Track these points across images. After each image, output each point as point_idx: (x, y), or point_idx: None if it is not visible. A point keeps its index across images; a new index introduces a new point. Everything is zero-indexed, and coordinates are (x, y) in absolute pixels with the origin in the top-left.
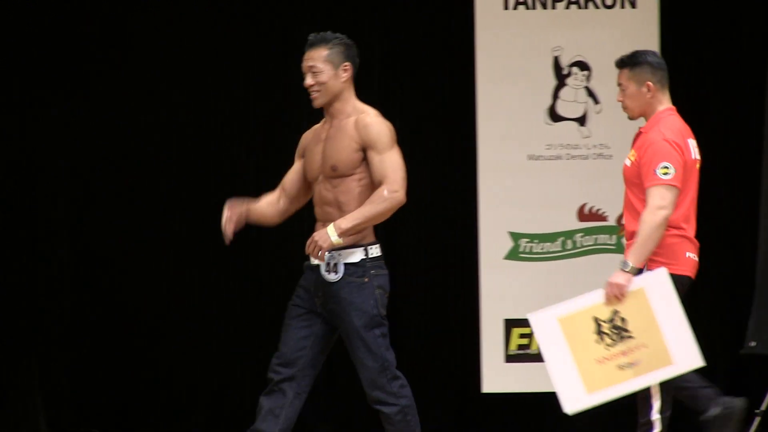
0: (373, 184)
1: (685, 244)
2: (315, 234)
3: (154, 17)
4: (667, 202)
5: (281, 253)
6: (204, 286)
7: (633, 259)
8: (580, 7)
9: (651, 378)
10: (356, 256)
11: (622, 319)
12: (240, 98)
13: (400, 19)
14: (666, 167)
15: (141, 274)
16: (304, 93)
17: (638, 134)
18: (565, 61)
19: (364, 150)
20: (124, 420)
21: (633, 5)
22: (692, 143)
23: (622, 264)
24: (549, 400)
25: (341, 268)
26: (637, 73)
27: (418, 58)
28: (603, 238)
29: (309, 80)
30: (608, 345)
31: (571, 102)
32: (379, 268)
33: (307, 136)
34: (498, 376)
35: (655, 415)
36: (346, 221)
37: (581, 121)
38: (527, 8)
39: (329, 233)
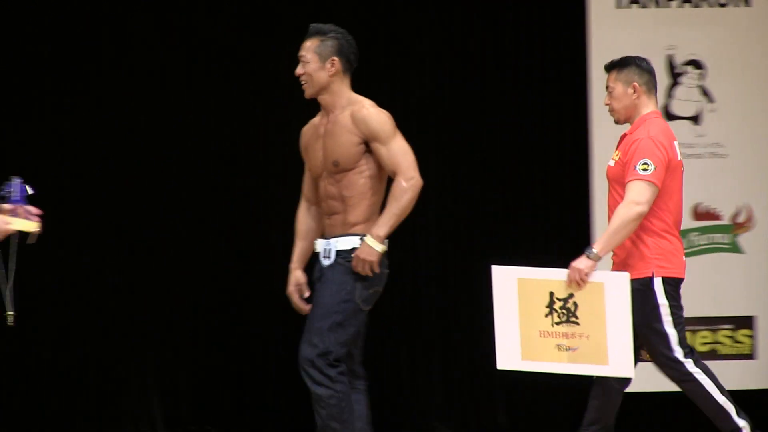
0: (377, 176)
1: (679, 248)
2: (358, 251)
3: (154, 17)
4: (643, 199)
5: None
6: (203, 286)
7: (598, 247)
8: (693, 6)
9: (583, 369)
10: (350, 243)
11: (575, 304)
12: (240, 98)
13: (512, 18)
14: (646, 163)
15: (139, 274)
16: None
17: (623, 136)
18: (678, 60)
19: (366, 143)
20: (239, 418)
21: (747, 3)
22: (677, 145)
23: (587, 250)
24: (652, 399)
25: (333, 254)
26: (625, 74)
27: (531, 57)
28: (717, 237)
29: (298, 69)
30: (555, 322)
31: (685, 101)
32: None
33: (306, 132)
34: None
35: (737, 418)
36: (382, 227)
37: (695, 119)
38: (640, 6)
39: (372, 245)
